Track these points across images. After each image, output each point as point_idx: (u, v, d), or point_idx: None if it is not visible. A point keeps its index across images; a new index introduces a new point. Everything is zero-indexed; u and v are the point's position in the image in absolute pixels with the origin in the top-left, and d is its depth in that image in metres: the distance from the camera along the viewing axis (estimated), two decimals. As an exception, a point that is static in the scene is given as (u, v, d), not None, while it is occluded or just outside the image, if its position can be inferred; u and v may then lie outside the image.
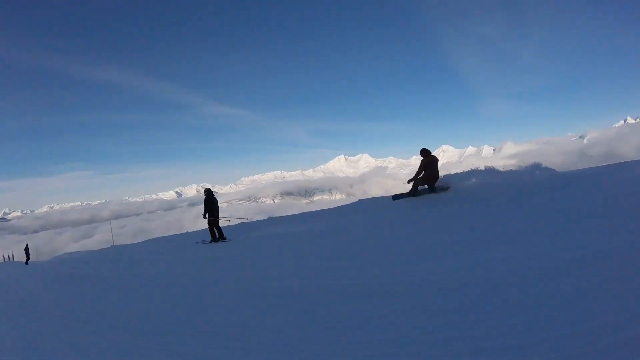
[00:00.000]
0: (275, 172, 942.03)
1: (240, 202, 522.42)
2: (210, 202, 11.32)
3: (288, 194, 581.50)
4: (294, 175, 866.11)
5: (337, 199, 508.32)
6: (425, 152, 10.04)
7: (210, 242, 11.04)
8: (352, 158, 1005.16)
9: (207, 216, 11.22)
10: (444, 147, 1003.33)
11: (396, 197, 10.50)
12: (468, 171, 10.43)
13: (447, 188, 9.88)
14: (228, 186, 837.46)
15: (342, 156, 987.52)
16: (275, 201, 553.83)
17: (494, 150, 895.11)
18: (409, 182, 10.19)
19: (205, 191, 11.75)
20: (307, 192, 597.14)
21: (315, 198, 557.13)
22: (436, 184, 9.90)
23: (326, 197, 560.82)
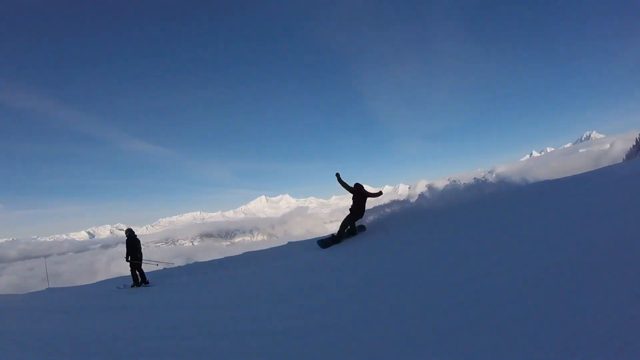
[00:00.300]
0: (194, 212, 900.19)
1: (157, 244, 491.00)
2: (133, 243, 10.89)
3: (208, 235, 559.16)
4: (214, 217, 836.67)
5: (259, 240, 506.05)
6: (358, 186, 10.47)
7: (132, 286, 10.45)
8: (273, 198, 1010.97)
9: (129, 258, 10.73)
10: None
11: (324, 244, 10.14)
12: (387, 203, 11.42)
13: (364, 229, 10.61)
14: (144, 227, 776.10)
15: (263, 197, 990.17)
16: (195, 243, 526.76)
17: (409, 188, 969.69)
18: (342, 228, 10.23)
19: (126, 232, 11.26)
20: (227, 233, 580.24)
21: (237, 239, 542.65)
22: (356, 224, 10.36)
23: (247, 238, 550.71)
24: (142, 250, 11.10)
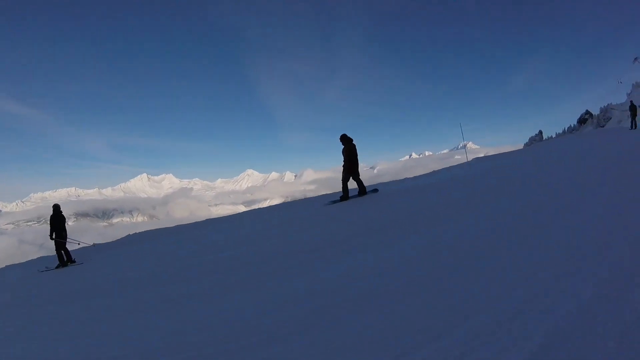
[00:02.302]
0: (69, 188, 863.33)
1: (29, 223, 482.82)
2: (58, 220, 10.44)
3: (84, 215, 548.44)
4: (91, 194, 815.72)
5: (139, 221, 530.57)
6: (347, 139, 9.64)
7: (58, 267, 9.91)
8: (156, 177, 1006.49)
9: (54, 236, 10.21)
10: (249, 171, 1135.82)
11: (332, 202, 9.76)
12: None
13: (376, 190, 10.25)
14: (14, 203, 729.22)
15: (144, 175, 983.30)
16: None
17: (295, 176, 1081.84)
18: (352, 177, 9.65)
19: (53, 207, 10.66)
20: (105, 213, 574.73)
21: (115, 220, 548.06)
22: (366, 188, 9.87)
23: (127, 219, 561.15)
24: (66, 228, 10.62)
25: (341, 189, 10.04)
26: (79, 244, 12.91)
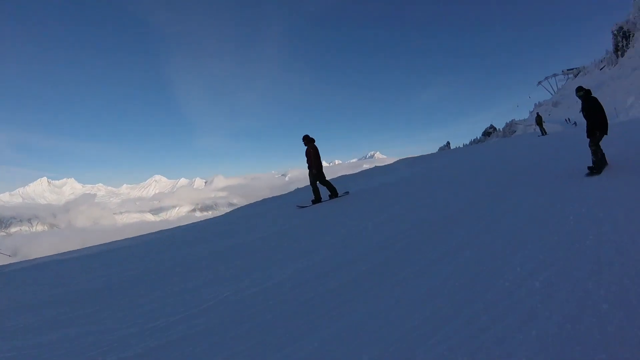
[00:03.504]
0: None
1: None
2: None
3: None
4: None
5: (39, 230, 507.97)
6: (310, 139, 9.90)
7: None
8: (57, 182, 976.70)
9: None
10: (157, 177, 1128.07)
11: (302, 206, 9.73)
12: None
13: (347, 192, 10.45)
14: None
15: (44, 179, 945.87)
16: None
17: (205, 182, 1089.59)
18: (318, 179, 9.98)
19: None
20: (2, 221, 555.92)
21: (13, 229, 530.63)
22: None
23: (25, 227, 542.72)
24: None
25: (312, 192, 9.95)
26: (9, 255, 10.53)
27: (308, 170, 10.07)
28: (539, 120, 27.20)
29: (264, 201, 14.26)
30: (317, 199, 9.87)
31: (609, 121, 7.22)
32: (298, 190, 14.85)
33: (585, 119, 7.20)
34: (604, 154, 6.88)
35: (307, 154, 9.92)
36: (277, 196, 15.05)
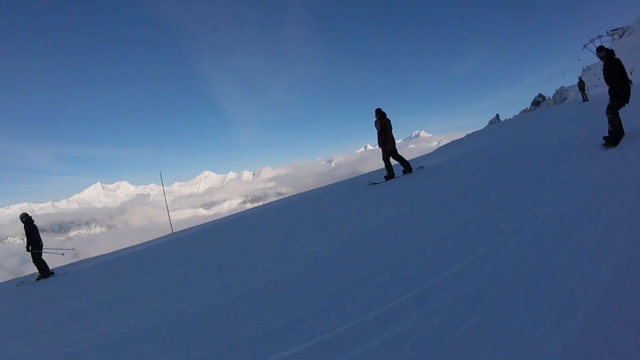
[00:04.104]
0: (21, 204, 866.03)
1: None
2: (33, 230, 10.76)
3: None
4: (45, 208, 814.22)
5: (97, 232, 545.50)
6: (382, 112, 9.89)
7: (39, 279, 10.32)
8: (110, 186, 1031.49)
9: (31, 248, 10.52)
10: (206, 173, 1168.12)
11: (374, 183, 10.16)
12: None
13: (422, 167, 10.72)
14: None
15: (98, 184, 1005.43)
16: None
17: (253, 174, 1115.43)
18: (392, 155, 9.92)
19: (22, 217, 10.95)
20: (61, 227, 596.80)
21: (72, 233, 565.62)
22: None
23: (84, 231, 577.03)
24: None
25: (384, 167, 10.07)
26: (62, 254, 12.52)
27: (381, 146, 10.02)
28: (581, 86, 27.70)
29: (336, 185, 16.03)
30: (390, 175, 10.08)
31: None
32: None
33: (607, 82, 7.00)
34: (621, 122, 6.76)
35: (382, 128, 9.80)
36: (353, 177, 17.35)
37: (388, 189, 8.83)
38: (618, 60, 6.77)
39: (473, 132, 25.40)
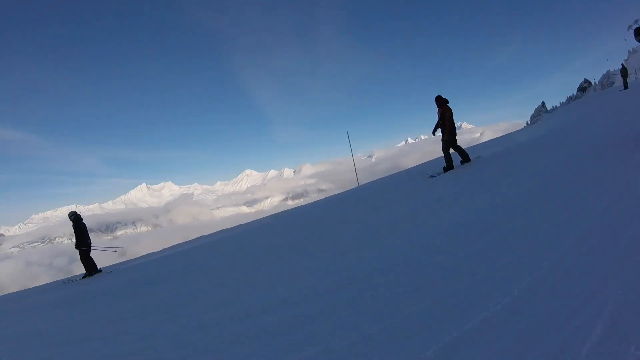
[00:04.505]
0: (69, 206, 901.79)
1: (33, 244, 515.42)
2: (81, 227, 10.82)
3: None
4: (92, 209, 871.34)
5: (143, 231, 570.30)
6: (443, 100, 9.52)
7: (85, 276, 10.43)
8: (155, 186, 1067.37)
9: (79, 245, 10.55)
10: (247, 171, 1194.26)
11: (435, 174, 9.75)
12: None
13: (479, 157, 10.22)
14: (16, 226, 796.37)
15: (143, 185, 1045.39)
16: (74, 240, 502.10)
17: (294, 172, 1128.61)
18: (451, 145, 9.56)
19: (71, 215, 11.03)
20: (108, 227, 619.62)
21: (119, 233, 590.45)
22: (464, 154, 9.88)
23: (130, 230, 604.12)
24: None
25: (444, 158, 9.72)
26: (114, 250, 13.01)
27: (441, 135, 9.74)
28: (623, 72, 27.83)
29: (391, 177, 15.43)
30: (450, 166, 9.74)
31: None
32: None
33: None
34: None
35: (442, 116, 9.48)
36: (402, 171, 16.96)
37: (453, 180, 8.38)
38: None
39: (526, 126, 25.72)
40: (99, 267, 10.91)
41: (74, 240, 10.75)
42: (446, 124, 9.38)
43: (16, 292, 12.21)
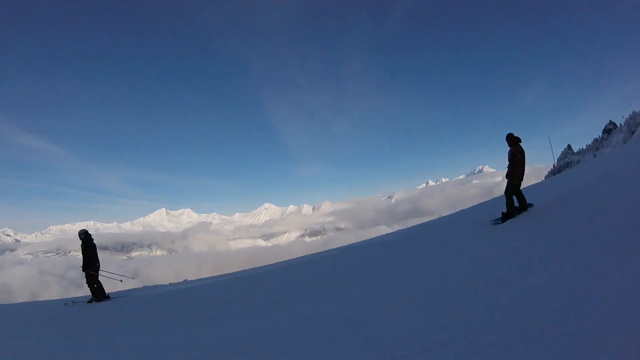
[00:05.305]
0: (88, 222, 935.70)
1: (48, 254, 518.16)
2: (90, 248, 10.22)
3: (103, 248, 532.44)
4: (110, 228, 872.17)
5: (158, 254, 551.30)
6: (515, 139, 8.93)
7: (90, 301, 9.86)
8: (174, 212, 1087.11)
9: (85, 268, 10.04)
10: (266, 205, 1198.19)
11: (496, 222, 9.04)
12: None
13: (532, 205, 9.30)
14: (33, 235, 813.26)
15: (163, 209, 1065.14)
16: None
17: (313, 208, 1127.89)
18: (514, 190, 8.85)
19: (81, 234, 10.36)
20: (124, 246, 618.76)
21: (134, 254, 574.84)
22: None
23: (145, 252, 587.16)
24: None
25: (505, 204, 8.75)
26: (121, 280, 12.02)
27: (507, 178, 9.02)
28: None
29: (441, 221, 15.08)
30: (511, 214, 8.85)
31: None
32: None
33: None
34: None
35: (512, 157, 8.88)
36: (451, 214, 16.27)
37: (530, 231, 7.14)
38: None
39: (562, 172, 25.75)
40: (107, 293, 10.53)
41: (82, 261, 10.50)
42: (516, 166, 8.88)
43: (16, 303, 11.74)
